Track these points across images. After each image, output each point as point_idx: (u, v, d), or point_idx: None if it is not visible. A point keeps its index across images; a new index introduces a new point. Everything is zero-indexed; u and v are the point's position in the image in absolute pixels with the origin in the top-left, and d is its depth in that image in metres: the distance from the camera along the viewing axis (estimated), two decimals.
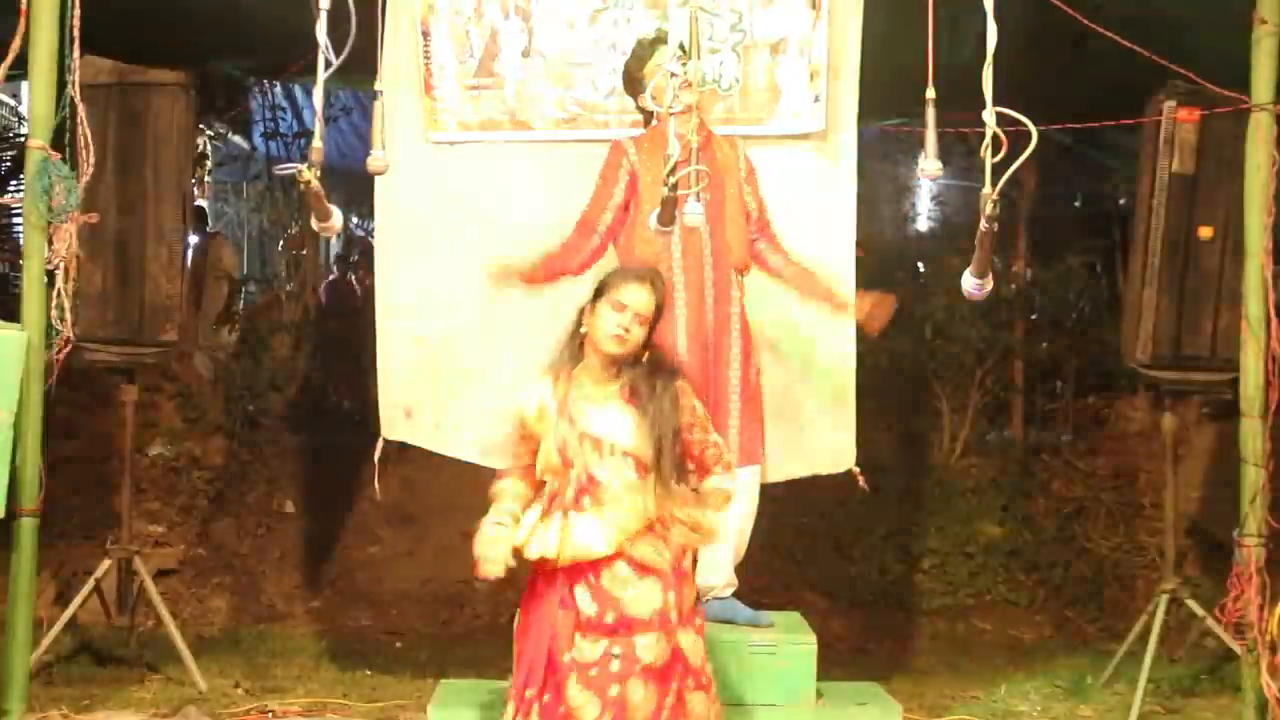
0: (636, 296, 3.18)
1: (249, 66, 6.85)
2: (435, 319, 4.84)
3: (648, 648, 3.06)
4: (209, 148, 9.35)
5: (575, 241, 4.25)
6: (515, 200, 4.82)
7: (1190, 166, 4.71)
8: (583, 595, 3.10)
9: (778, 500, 4.63)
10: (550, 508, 3.18)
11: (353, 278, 10.71)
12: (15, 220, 6.83)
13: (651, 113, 4.30)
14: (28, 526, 4.01)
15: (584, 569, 3.10)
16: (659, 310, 3.23)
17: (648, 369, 3.21)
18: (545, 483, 3.23)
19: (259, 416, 7.28)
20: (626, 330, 3.16)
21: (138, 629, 5.21)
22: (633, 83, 4.35)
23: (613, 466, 3.14)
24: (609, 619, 3.07)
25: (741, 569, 4.22)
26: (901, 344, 6.90)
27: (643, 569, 3.10)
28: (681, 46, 3.88)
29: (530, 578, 3.22)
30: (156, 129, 4.90)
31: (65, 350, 4.02)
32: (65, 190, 3.97)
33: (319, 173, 3.41)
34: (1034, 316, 7.82)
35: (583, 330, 3.23)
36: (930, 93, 3.19)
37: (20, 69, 4.04)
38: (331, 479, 6.29)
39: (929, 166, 3.26)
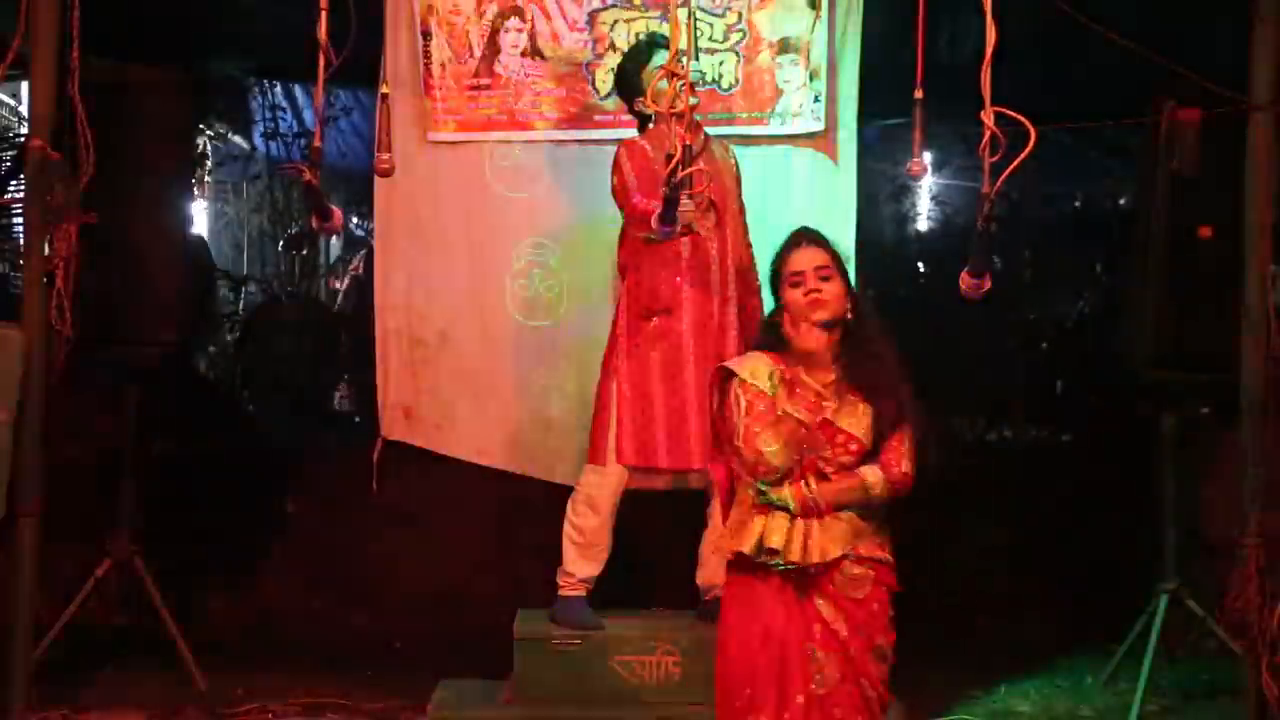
0: (802, 257, 3.12)
1: (249, 66, 6.85)
2: (435, 319, 4.85)
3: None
4: (209, 148, 9.35)
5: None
6: (514, 200, 4.83)
7: (1190, 166, 4.71)
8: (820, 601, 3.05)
9: None
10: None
11: (352, 278, 10.71)
12: (15, 220, 6.82)
13: (647, 116, 4.30)
14: (28, 526, 4.01)
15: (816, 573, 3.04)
16: (837, 257, 3.15)
17: (864, 356, 3.12)
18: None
19: (259, 416, 7.28)
20: (816, 290, 3.08)
21: (137, 629, 5.21)
22: (629, 86, 4.36)
23: (844, 462, 3.07)
24: (843, 624, 3.03)
25: None
26: (901, 344, 6.89)
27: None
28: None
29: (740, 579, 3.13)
30: (156, 129, 4.90)
31: (65, 350, 4.02)
32: (65, 190, 3.97)
33: (319, 172, 3.41)
34: (1034, 317, 7.81)
35: (777, 316, 3.14)
36: (918, 93, 3.20)
37: (20, 69, 4.03)
38: (331, 479, 6.28)
39: (915, 167, 3.28)
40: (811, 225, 4.52)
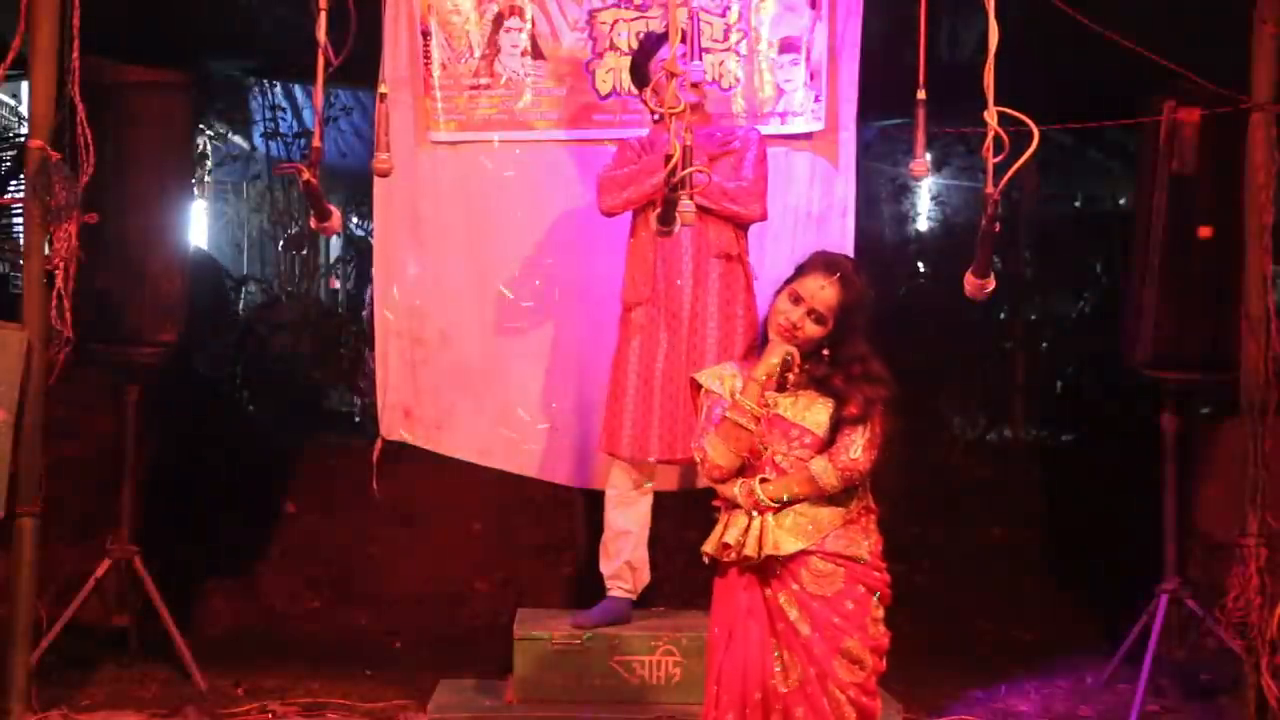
0: (814, 290, 3.06)
1: (249, 66, 6.85)
2: (434, 319, 4.85)
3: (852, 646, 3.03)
4: (209, 148, 9.35)
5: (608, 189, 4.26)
6: (515, 200, 4.82)
7: (1190, 166, 4.71)
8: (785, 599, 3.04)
9: None
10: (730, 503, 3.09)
11: (352, 277, 10.71)
12: (15, 220, 6.82)
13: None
14: (28, 526, 4.01)
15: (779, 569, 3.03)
16: (846, 308, 3.07)
17: (844, 367, 3.08)
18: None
19: (259, 416, 7.28)
20: (796, 325, 3.05)
21: (137, 629, 5.21)
22: (639, 77, 4.38)
23: (800, 456, 3.05)
24: (806, 623, 3.02)
25: None
26: (902, 343, 6.90)
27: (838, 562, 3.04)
28: (683, 41, 3.87)
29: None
30: (156, 129, 4.89)
31: (65, 350, 4.02)
32: (65, 190, 3.97)
33: (318, 172, 3.41)
34: (1034, 317, 7.81)
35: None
36: (920, 93, 3.20)
37: (20, 69, 4.04)
38: (331, 479, 6.29)
39: (917, 167, 3.27)
40: (811, 225, 4.57)
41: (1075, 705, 5.00)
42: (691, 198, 3.38)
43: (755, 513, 3.04)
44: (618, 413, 4.30)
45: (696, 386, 3.22)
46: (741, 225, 4.32)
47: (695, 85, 4.00)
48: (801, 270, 3.13)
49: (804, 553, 3.03)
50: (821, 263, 3.14)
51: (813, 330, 3.07)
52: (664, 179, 3.45)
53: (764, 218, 4.30)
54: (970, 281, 3.29)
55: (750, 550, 3.02)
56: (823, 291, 3.07)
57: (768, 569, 3.05)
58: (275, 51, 5.83)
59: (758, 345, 3.18)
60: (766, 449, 3.08)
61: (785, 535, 3.02)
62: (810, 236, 4.68)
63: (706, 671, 3.14)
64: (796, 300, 3.08)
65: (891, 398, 3.08)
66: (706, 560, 3.13)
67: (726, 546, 3.05)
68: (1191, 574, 5.20)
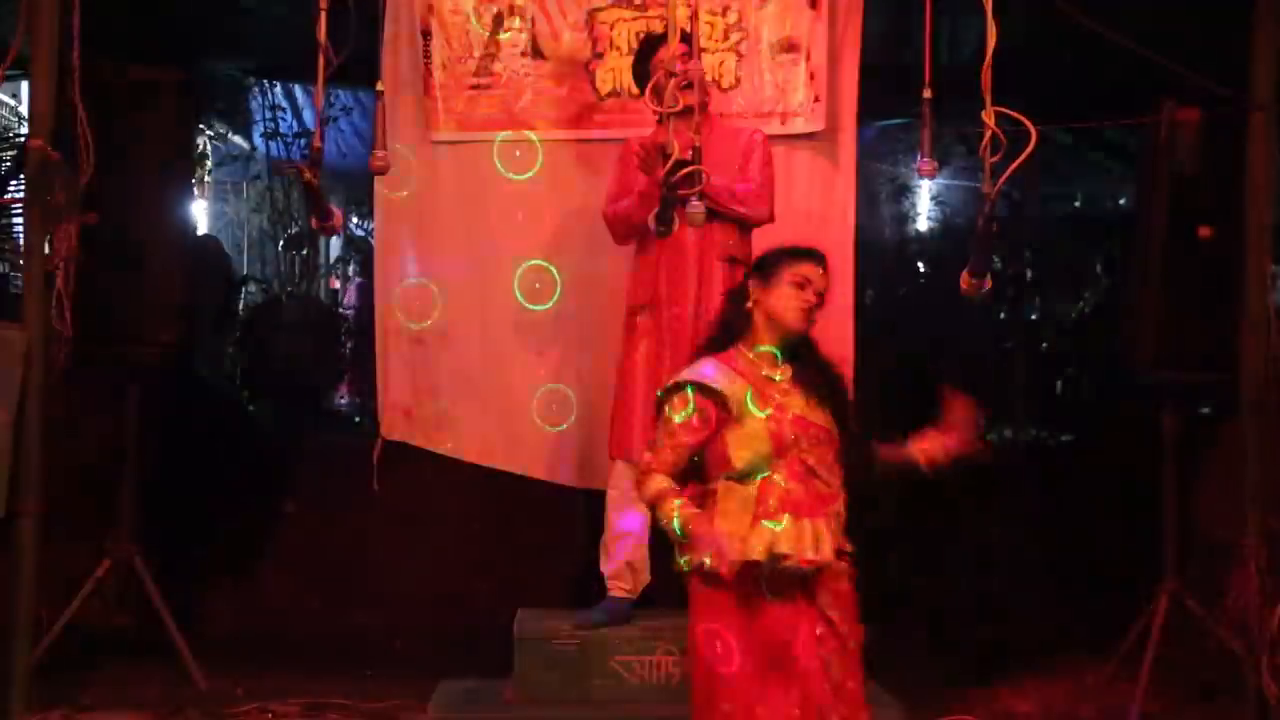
0: (817, 273, 3.08)
1: (249, 66, 6.85)
2: (435, 319, 4.85)
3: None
4: (209, 148, 9.36)
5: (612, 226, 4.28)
6: (515, 200, 4.83)
7: (1190, 166, 4.71)
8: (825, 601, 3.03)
9: None
10: (768, 510, 2.98)
11: (351, 278, 10.72)
12: (15, 220, 6.82)
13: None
14: (28, 526, 4.01)
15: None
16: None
17: (812, 356, 3.12)
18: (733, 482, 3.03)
19: (259, 416, 7.28)
20: (815, 307, 3.07)
21: (137, 629, 5.21)
22: (640, 77, 4.38)
23: (822, 457, 3.05)
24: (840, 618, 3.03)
25: None
26: (901, 344, 6.91)
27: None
28: (686, 39, 3.87)
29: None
30: (156, 129, 4.89)
31: (65, 350, 4.02)
32: (65, 190, 3.97)
33: (319, 172, 3.41)
34: (1034, 316, 7.82)
35: (749, 305, 3.09)
36: (927, 93, 3.19)
37: (20, 69, 4.04)
38: (331, 479, 6.28)
39: (925, 166, 3.27)
40: (811, 225, 4.58)
41: (1075, 705, 5.01)
42: (700, 198, 3.38)
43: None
44: (627, 417, 4.30)
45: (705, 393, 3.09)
46: (747, 227, 4.32)
47: (697, 85, 4.00)
48: (786, 258, 3.09)
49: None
50: (803, 249, 3.13)
51: (814, 311, 3.09)
52: (660, 180, 3.45)
53: (771, 220, 4.30)
54: (966, 280, 3.29)
55: (812, 554, 2.96)
56: (822, 276, 3.09)
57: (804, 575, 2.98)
58: (275, 51, 5.84)
59: (742, 332, 3.10)
60: (792, 448, 3.00)
61: (834, 536, 3.02)
62: (810, 236, 4.67)
63: (705, 682, 3.02)
64: (803, 284, 3.05)
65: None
66: (733, 570, 2.97)
67: (784, 556, 2.93)
68: (1191, 574, 5.20)
